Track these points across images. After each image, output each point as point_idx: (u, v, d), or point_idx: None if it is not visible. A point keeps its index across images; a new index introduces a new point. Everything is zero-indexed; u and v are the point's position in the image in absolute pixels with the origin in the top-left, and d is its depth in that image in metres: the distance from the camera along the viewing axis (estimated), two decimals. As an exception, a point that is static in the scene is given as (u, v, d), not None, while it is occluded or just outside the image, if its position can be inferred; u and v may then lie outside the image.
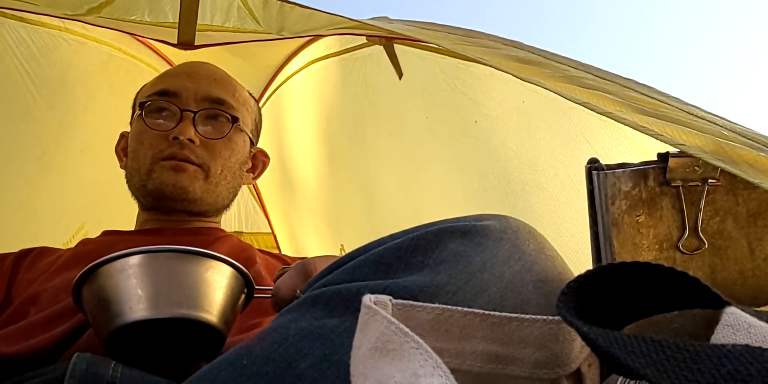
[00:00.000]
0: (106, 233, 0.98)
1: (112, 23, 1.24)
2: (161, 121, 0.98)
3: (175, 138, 0.94)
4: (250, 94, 1.12)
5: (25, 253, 0.92)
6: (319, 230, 1.85)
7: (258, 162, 1.11)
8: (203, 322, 0.60)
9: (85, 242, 0.96)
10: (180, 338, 0.61)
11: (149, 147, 0.96)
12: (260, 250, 0.98)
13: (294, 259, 0.96)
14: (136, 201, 1.02)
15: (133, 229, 1.02)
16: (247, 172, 1.08)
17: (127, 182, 1.01)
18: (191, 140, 0.95)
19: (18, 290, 0.84)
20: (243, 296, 0.66)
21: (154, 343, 0.61)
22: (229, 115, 1.00)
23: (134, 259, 0.61)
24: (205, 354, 0.63)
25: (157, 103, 0.99)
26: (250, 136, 1.06)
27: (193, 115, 0.97)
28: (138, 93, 1.08)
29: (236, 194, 1.04)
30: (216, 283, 0.63)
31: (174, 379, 0.57)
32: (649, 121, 0.55)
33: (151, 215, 1.00)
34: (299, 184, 1.82)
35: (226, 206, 1.04)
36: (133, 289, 0.60)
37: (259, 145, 1.18)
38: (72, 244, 1.47)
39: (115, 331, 0.59)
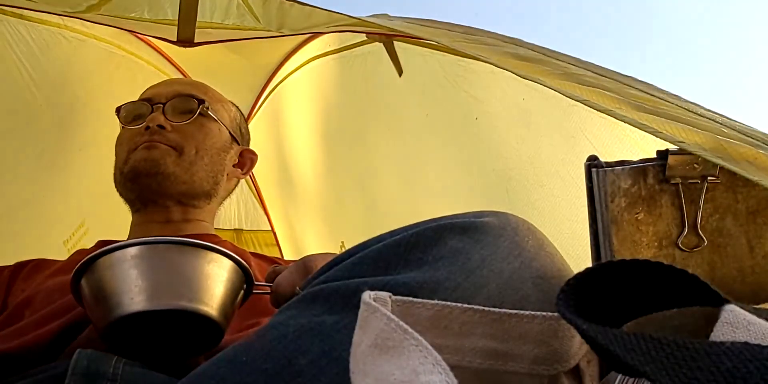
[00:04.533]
0: (100, 243, 0.98)
1: (111, 20, 1.24)
2: (136, 121, 1.02)
3: (147, 128, 0.98)
4: (233, 103, 1.15)
5: (22, 265, 0.93)
6: (318, 227, 1.85)
7: (246, 159, 1.12)
8: (203, 314, 0.60)
9: (80, 252, 0.97)
10: (179, 330, 0.61)
11: (126, 143, 1.00)
12: (253, 254, 0.99)
13: (289, 262, 0.96)
14: (126, 203, 1.03)
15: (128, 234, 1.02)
16: (234, 167, 1.08)
17: (115, 186, 1.03)
18: (161, 126, 0.98)
19: (14, 299, 0.84)
20: (242, 291, 0.66)
21: (153, 335, 0.61)
22: (197, 99, 1.03)
23: (134, 250, 0.61)
24: (203, 347, 0.63)
25: (132, 107, 1.04)
26: (230, 130, 1.07)
27: (162, 106, 1.00)
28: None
29: (218, 182, 1.04)
30: (216, 276, 0.62)
31: (174, 375, 0.57)
32: (649, 119, 0.55)
33: (142, 217, 1.00)
34: (299, 181, 1.82)
35: (207, 194, 1.03)
36: (134, 280, 0.60)
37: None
38: (72, 242, 1.47)
39: (115, 321, 0.59)
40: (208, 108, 1.03)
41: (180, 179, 0.98)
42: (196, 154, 1.00)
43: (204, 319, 0.60)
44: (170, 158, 0.97)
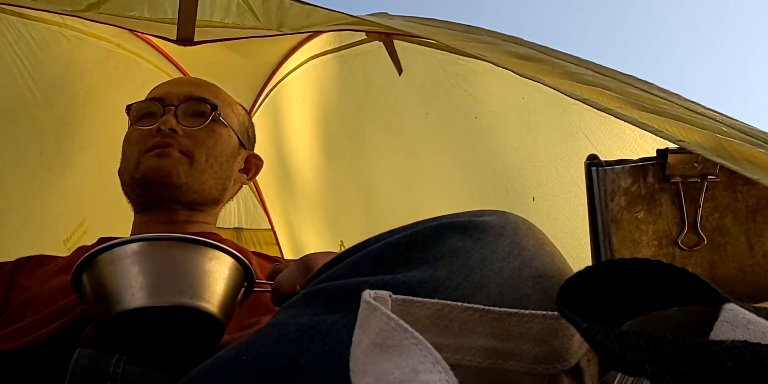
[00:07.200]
0: (102, 240, 0.98)
1: (111, 19, 1.24)
2: (146, 120, 1.01)
3: (158, 130, 0.97)
4: (242, 106, 1.15)
5: (24, 261, 0.93)
6: (318, 226, 1.85)
7: (251, 165, 1.12)
8: (204, 311, 0.60)
9: (81, 249, 0.97)
10: (180, 327, 0.61)
11: (135, 143, 0.99)
12: (254, 253, 0.99)
13: (289, 261, 0.96)
14: (130, 203, 1.03)
15: (129, 232, 1.02)
16: (240, 172, 1.08)
17: (121, 184, 1.02)
18: (173, 130, 0.97)
19: (16, 296, 0.84)
20: (243, 289, 0.66)
21: (153, 331, 0.61)
22: (209, 104, 1.02)
23: (135, 247, 0.61)
24: (204, 344, 0.63)
25: (143, 105, 1.03)
26: (238, 136, 1.07)
27: (174, 108, 1.00)
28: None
29: (226, 189, 1.04)
30: (218, 273, 0.62)
31: (174, 374, 0.57)
32: (649, 118, 0.55)
33: (145, 217, 1.00)
34: (298, 180, 1.82)
35: (216, 200, 1.03)
36: (135, 276, 0.60)
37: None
38: (72, 241, 1.47)
39: (116, 317, 0.59)
40: (220, 114, 1.03)
41: (191, 189, 0.98)
42: (206, 161, 0.99)
43: (205, 315, 0.60)
44: (182, 168, 0.96)
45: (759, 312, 0.36)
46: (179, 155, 0.97)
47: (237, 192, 1.12)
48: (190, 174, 0.97)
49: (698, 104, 0.64)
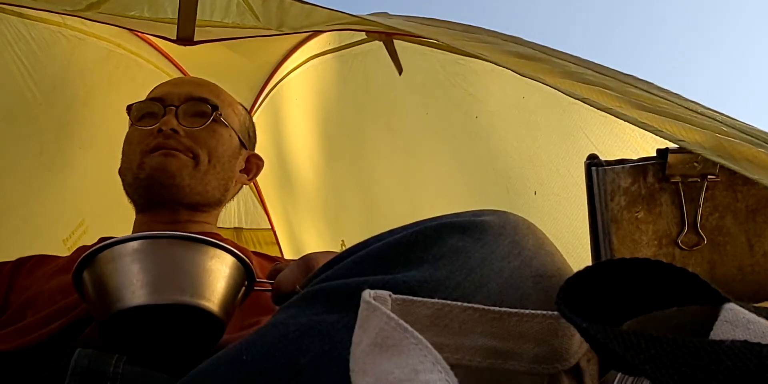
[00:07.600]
0: (102, 240, 0.98)
1: (111, 19, 1.24)
2: (147, 120, 1.01)
3: (160, 130, 0.97)
4: (242, 106, 1.15)
5: (24, 261, 0.93)
6: (318, 226, 1.85)
7: (252, 165, 1.12)
8: (205, 310, 0.60)
9: (81, 249, 0.97)
10: (180, 325, 0.61)
11: (137, 144, 0.99)
12: (255, 253, 0.99)
13: (290, 261, 0.96)
14: (132, 203, 1.03)
15: (130, 232, 1.02)
16: (241, 172, 1.08)
17: (122, 184, 1.02)
18: (175, 130, 0.97)
19: (16, 296, 0.84)
20: (243, 288, 0.66)
21: (153, 329, 0.61)
22: (210, 105, 1.02)
23: (136, 245, 0.61)
24: (204, 343, 0.63)
25: (143, 105, 1.03)
26: (239, 136, 1.07)
27: (175, 109, 1.00)
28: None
29: (228, 189, 1.04)
30: (218, 272, 0.62)
31: (174, 374, 0.57)
32: (649, 117, 0.55)
33: (147, 217, 1.00)
34: (298, 180, 1.82)
35: (218, 201, 1.03)
36: (136, 274, 0.60)
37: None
38: (72, 241, 1.47)
39: (116, 314, 0.59)
40: (220, 114, 1.03)
41: (194, 191, 0.98)
42: (209, 162, 1.00)
43: (205, 314, 0.60)
44: (186, 170, 0.97)
45: (759, 312, 0.36)
46: (185, 157, 0.97)
47: (238, 192, 1.12)
48: (193, 176, 0.97)
49: (698, 104, 0.64)
